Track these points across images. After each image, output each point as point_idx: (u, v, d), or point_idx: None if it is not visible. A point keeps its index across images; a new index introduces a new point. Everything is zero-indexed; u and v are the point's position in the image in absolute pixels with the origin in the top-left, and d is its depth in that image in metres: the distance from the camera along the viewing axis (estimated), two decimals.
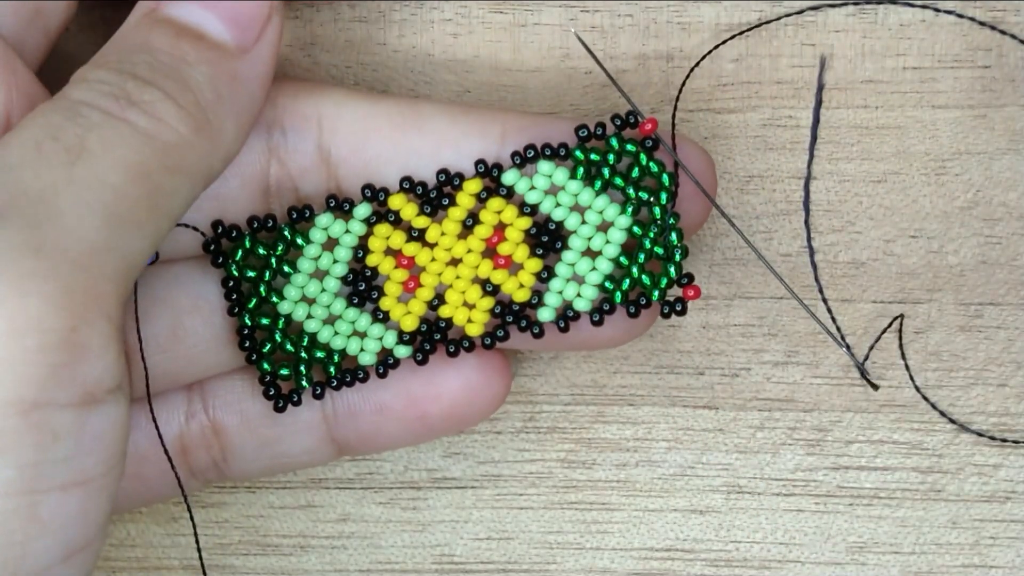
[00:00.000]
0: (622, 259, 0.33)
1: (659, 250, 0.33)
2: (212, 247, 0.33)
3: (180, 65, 0.31)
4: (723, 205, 0.37)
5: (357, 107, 0.33)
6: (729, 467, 0.38)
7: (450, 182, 0.33)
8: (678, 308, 0.33)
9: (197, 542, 0.36)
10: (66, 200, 0.28)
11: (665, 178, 0.33)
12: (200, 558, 0.36)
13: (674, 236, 0.33)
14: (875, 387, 0.36)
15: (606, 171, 0.33)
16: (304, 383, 0.34)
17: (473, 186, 0.33)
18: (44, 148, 0.28)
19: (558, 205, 0.33)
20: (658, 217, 0.33)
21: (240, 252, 0.33)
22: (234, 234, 0.33)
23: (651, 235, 0.33)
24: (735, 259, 0.37)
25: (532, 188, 0.33)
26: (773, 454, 0.38)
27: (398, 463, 0.38)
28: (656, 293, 0.33)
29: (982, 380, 0.37)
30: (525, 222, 0.33)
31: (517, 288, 0.34)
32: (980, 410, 0.37)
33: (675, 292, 0.34)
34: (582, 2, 0.37)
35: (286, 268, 0.34)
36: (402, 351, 0.34)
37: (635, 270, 0.33)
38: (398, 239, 0.33)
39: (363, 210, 0.33)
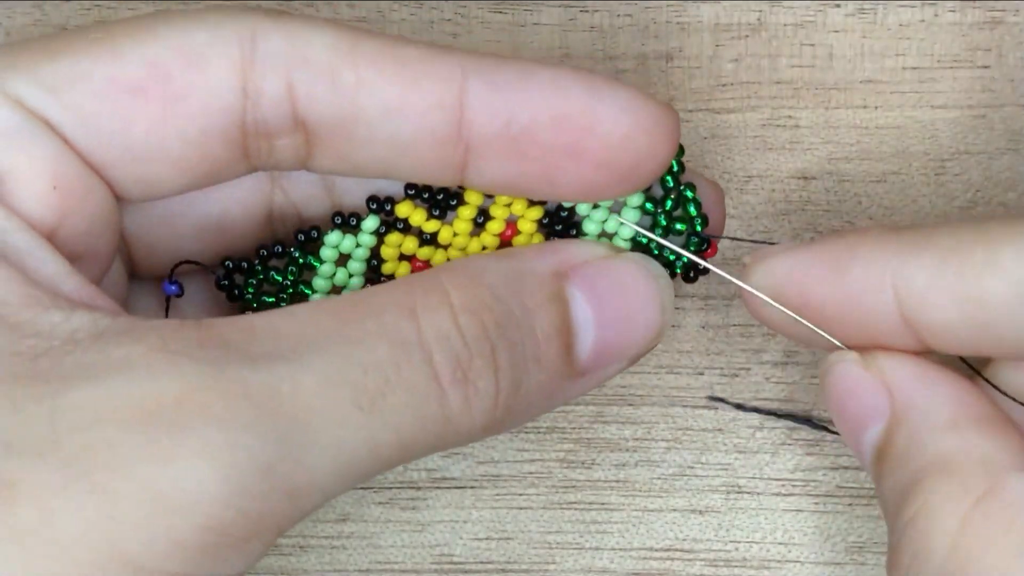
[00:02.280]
0: (640, 239, 0.33)
1: (681, 226, 0.33)
2: (226, 283, 0.33)
3: (531, 364, 0.29)
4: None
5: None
6: (728, 467, 0.38)
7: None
8: (700, 269, 0.33)
9: None
10: (328, 438, 0.26)
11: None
12: None
13: (691, 207, 0.33)
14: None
15: None
16: None
17: None
18: (347, 374, 0.26)
19: None
20: (671, 186, 0.33)
21: (254, 283, 0.33)
22: (245, 266, 0.33)
23: (666, 209, 0.33)
24: (734, 259, 0.37)
25: None
26: (772, 454, 0.38)
27: None
28: (679, 266, 0.33)
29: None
30: (536, 212, 0.33)
31: None
32: None
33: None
34: (582, 2, 0.37)
35: (303, 289, 0.33)
36: None
37: (654, 247, 0.33)
38: (411, 244, 0.33)
39: (371, 223, 0.33)
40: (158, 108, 0.29)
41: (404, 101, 0.29)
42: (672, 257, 0.33)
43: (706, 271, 0.33)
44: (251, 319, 0.27)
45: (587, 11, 0.37)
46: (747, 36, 0.37)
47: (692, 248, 0.33)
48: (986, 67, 0.37)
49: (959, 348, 0.30)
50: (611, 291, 0.31)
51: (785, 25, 0.37)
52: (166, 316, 0.33)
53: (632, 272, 0.31)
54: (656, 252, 0.33)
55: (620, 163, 0.30)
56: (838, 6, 0.37)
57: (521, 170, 0.30)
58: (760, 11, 0.37)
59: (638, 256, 0.32)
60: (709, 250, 0.33)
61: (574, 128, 0.30)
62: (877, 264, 0.30)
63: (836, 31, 0.37)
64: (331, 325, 0.27)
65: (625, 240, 0.33)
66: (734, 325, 0.38)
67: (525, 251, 0.31)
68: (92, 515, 0.24)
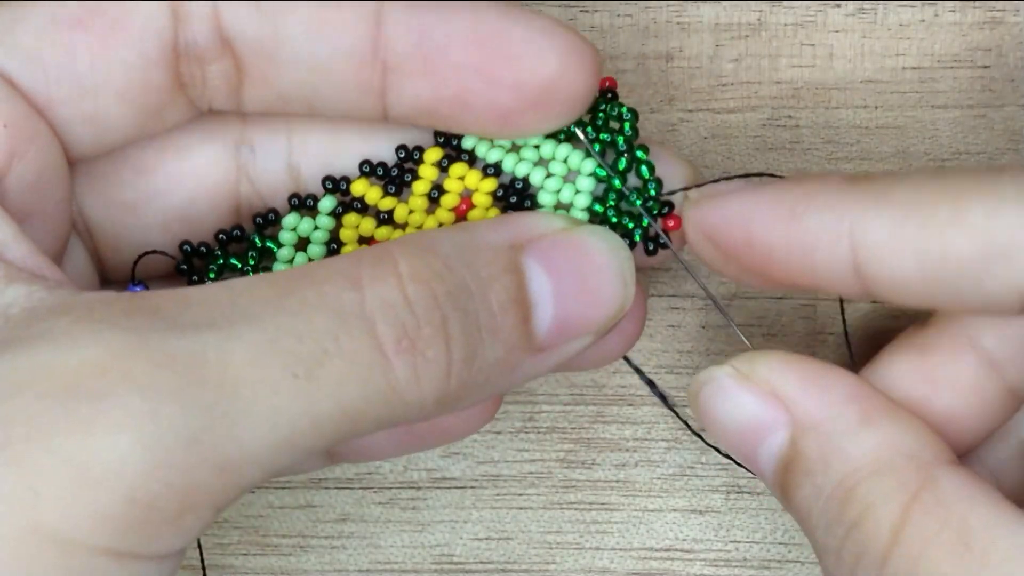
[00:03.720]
0: (595, 207, 0.32)
1: (634, 196, 0.32)
2: (185, 268, 0.33)
3: (485, 335, 0.28)
4: None
5: (326, 123, 0.32)
6: (729, 467, 0.38)
7: (410, 157, 0.32)
8: (661, 242, 0.32)
9: (199, 542, 0.36)
10: (261, 408, 0.25)
11: (625, 110, 0.32)
12: (201, 557, 0.36)
13: (644, 169, 0.32)
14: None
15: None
16: None
17: (433, 155, 0.32)
18: (280, 343, 0.25)
19: (521, 161, 0.32)
20: (623, 148, 0.32)
21: (214, 268, 0.33)
22: (204, 251, 0.33)
23: (619, 173, 0.32)
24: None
25: (493, 147, 0.32)
26: None
27: (397, 463, 0.38)
28: (638, 233, 0.32)
29: None
30: (491, 184, 0.32)
31: None
32: None
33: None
34: (582, 2, 0.37)
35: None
36: None
37: (611, 214, 0.32)
38: (368, 225, 0.33)
39: (328, 203, 0.33)
40: (98, 38, 0.29)
41: (323, 18, 0.30)
42: (631, 226, 0.32)
43: (665, 244, 0.32)
44: (186, 290, 0.27)
45: (587, 11, 0.37)
46: (747, 36, 0.37)
47: (649, 216, 0.32)
48: (986, 67, 0.37)
49: (910, 301, 0.29)
50: (569, 264, 0.30)
51: (785, 25, 0.37)
52: None
53: (590, 244, 0.30)
54: (614, 220, 0.32)
55: (533, 88, 0.30)
56: (838, 6, 0.37)
57: (437, 93, 0.30)
58: (760, 11, 0.37)
59: (596, 228, 0.31)
60: (673, 223, 0.32)
61: (487, 49, 0.30)
62: (835, 214, 0.29)
63: (836, 31, 0.37)
64: (268, 294, 0.26)
65: (582, 210, 0.32)
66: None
67: (479, 224, 0.30)
68: (12, 488, 0.24)
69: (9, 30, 0.29)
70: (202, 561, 0.35)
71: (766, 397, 0.30)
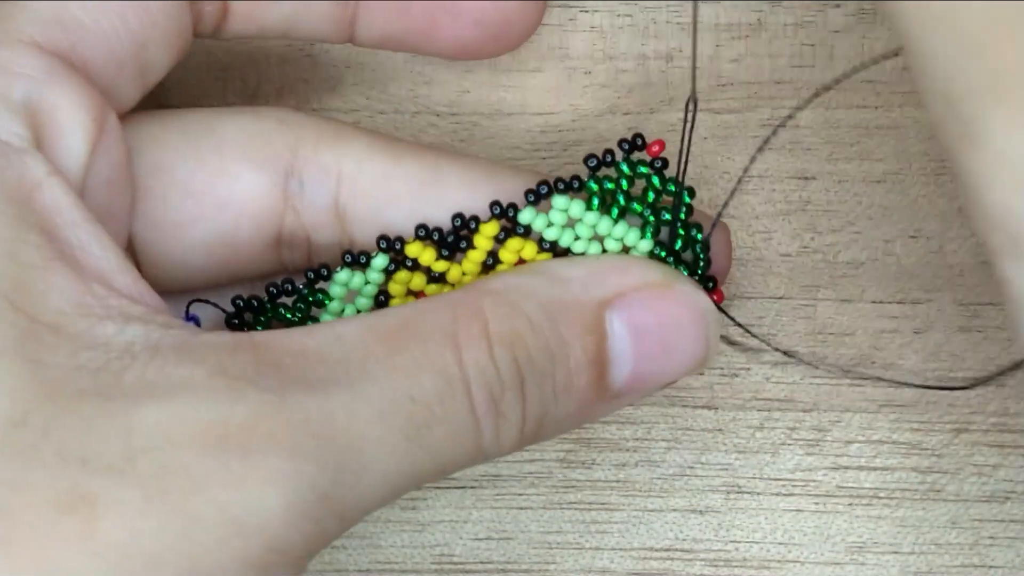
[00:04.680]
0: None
1: (684, 270, 0.33)
2: (236, 321, 0.33)
3: (560, 394, 0.30)
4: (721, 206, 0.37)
5: (379, 167, 0.33)
6: (728, 467, 0.38)
7: (466, 226, 0.32)
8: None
9: None
10: (379, 467, 0.27)
11: (684, 196, 0.33)
12: None
13: (698, 248, 0.33)
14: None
15: (621, 198, 0.32)
16: None
17: (490, 229, 0.32)
18: (398, 405, 0.28)
19: (577, 238, 0.33)
20: (681, 233, 0.33)
21: (263, 321, 0.33)
22: (255, 304, 0.33)
23: (674, 254, 0.33)
24: (734, 259, 0.37)
25: (550, 225, 0.32)
26: (772, 454, 0.38)
27: None
28: None
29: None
30: (546, 257, 0.33)
31: None
32: (979, 410, 0.37)
33: None
34: (582, 2, 0.37)
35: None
36: None
37: None
38: (419, 281, 0.33)
39: (381, 261, 0.33)
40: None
41: None
42: None
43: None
44: (302, 340, 0.28)
45: (587, 11, 0.37)
46: (747, 36, 0.37)
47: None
48: None
49: None
50: (655, 324, 0.31)
51: (785, 25, 0.37)
52: None
53: (679, 303, 0.31)
54: None
55: (493, 22, 0.33)
56: (838, 6, 0.37)
57: (404, 26, 0.33)
58: (760, 11, 0.37)
59: (689, 288, 0.32)
60: (717, 297, 0.33)
61: None
62: None
63: (836, 31, 0.37)
64: (379, 351, 0.28)
65: None
66: (734, 326, 0.38)
67: (572, 275, 0.31)
68: (173, 535, 0.25)
69: (63, 8, 0.30)
70: None
71: None
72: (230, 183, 0.33)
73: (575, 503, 0.38)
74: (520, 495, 0.38)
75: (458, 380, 0.28)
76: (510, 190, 0.33)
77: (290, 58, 0.38)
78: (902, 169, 0.37)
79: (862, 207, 0.37)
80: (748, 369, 0.38)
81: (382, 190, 0.33)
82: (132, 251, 0.33)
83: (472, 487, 0.38)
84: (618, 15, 0.37)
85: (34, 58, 0.29)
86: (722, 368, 0.38)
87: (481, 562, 0.38)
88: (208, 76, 0.38)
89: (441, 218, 0.33)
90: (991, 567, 0.38)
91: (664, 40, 0.37)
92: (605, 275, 0.31)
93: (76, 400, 0.26)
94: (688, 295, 0.32)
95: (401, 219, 0.33)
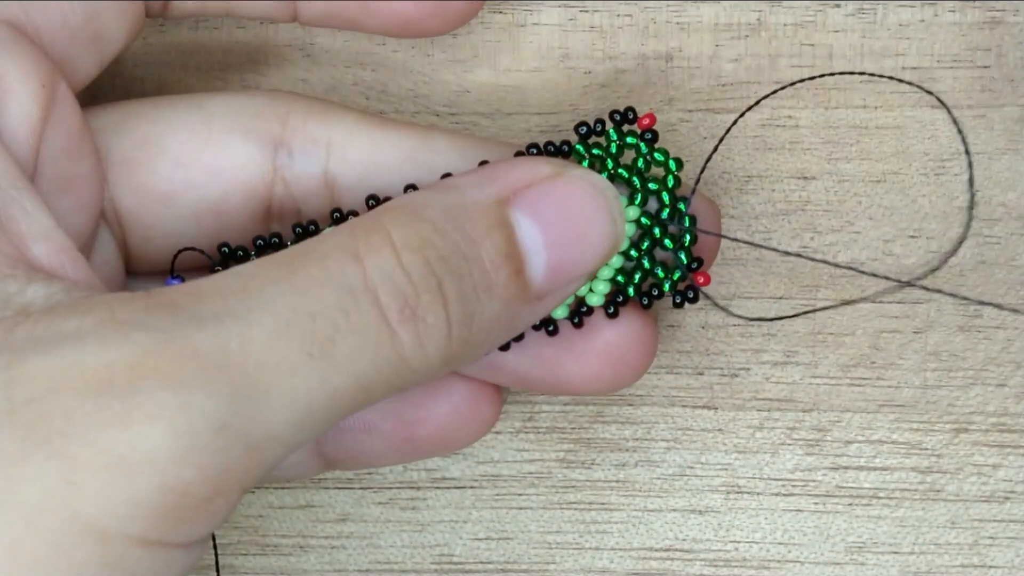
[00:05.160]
0: (631, 251, 0.33)
1: (668, 243, 0.33)
2: (221, 269, 0.33)
3: (481, 293, 0.29)
4: (722, 206, 0.37)
5: (368, 136, 0.33)
6: (728, 467, 0.38)
7: None
8: (690, 296, 0.33)
9: (214, 542, 0.35)
10: (281, 389, 0.26)
11: (672, 164, 0.33)
12: (216, 556, 0.36)
13: (685, 220, 0.33)
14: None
15: (610, 163, 0.33)
16: None
17: None
18: (295, 324, 0.27)
19: None
20: (667, 203, 0.33)
21: None
22: (240, 255, 0.33)
23: (660, 224, 0.33)
24: (734, 259, 0.37)
25: None
26: (772, 454, 0.38)
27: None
28: (667, 284, 0.33)
29: (981, 380, 0.37)
30: None
31: None
32: (979, 410, 0.37)
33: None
34: (581, 2, 0.37)
35: None
36: None
37: (646, 261, 0.33)
38: None
39: None
40: None
41: None
42: (662, 276, 0.33)
43: (695, 298, 0.33)
44: (198, 282, 0.27)
45: (587, 11, 0.37)
46: (747, 36, 0.37)
47: (680, 270, 0.33)
48: (986, 67, 0.37)
49: None
50: (557, 211, 0.30)
51: (785, 25, 0.37)
52: None
53: (577, 188, 0.31)
54: (649, 267, 0.33)
55: None
56: (838, 6, 0.37)
57: (343, 1, 0.33)
58: (760, 11, 0.37)
59: (581, 171, 0.31)
60: (703, 280, 0.33)
61: None
62: None
63: (836, 31, 0.37)
64: (277, 275, 0.27)
65: (620, 252, 0.33)
66: (734, 325, 0.38)
67: (465, 181, 0.31)
68: (53, 482, 0.25)
69: None
70: (216, 561, 0.35)
71: None
72: (219, 153, 0.33)
73: (575, 503, 0.38)
74: (520, 495, 0.38)
75: (361, 290, 0.27)
76: (496, 155, 0.33)
77: (289, 58, 0.38)
78: (901, 169, 0.37)
79: (862, 207, 0.37)
80: (748, 369, 0.38)
81: (372, 158, 0.33)
82: (119, 223, 0.33)
83: (472, 487, 0.38)
84: (618, 15, 0.37)
85: None
86: (722, 368, 0.38)
87: (481, 562, 0.38)
88: (207, 76, 0.38)
89: (429, 175, 0.33)
90: (991, 567, 0.38)
91: (664, 40, 0.37)
92: (496, 176, 0.31)
93: None
94: (583, 178, 0.31)
95: (391, 187, 0.33)
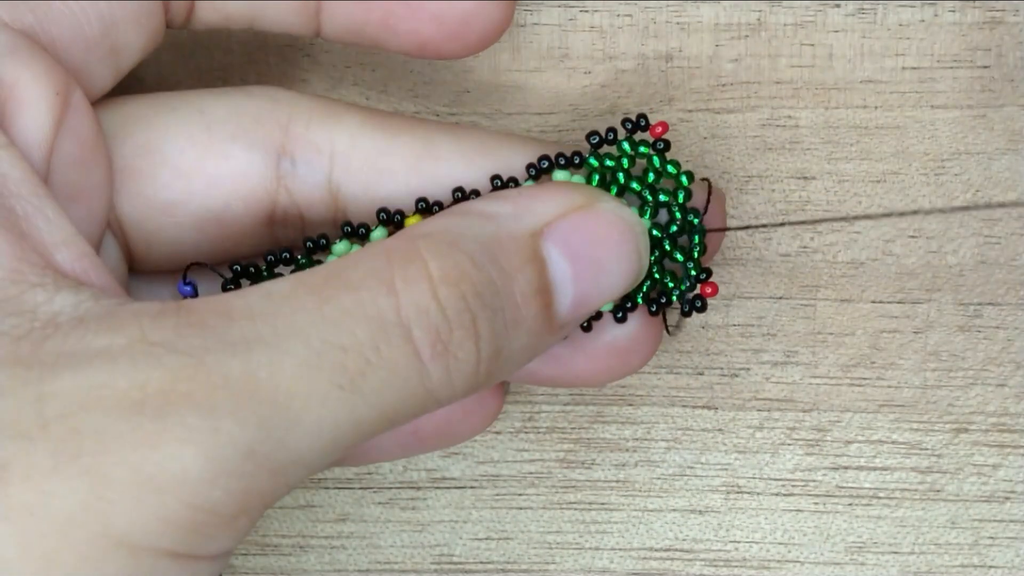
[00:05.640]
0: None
1: (678, 255, 0.33)
2: (232, 288, 0.33)
3: (510, 328, 0.29)
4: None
5: (371, 143, 0.33)
6: (728, 467, 0.38)
7: (466, 199, 0.32)
8: (698, 305, 0.33)
9: None
10: (309, 418, 0.27)
11: (683, 179, 0.33)
12: None
13: (695, 236, 0.33)
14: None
15: (621, 176, 0.33)
16: None
17: None
18: (326, 356, 0.27)
19: None
20: (678, 217, 0.33)
21: None
22: (252, 271, 0.33)
23: (670, 236, 0.33)
24: (734, 259, 0.37)
25: None
26: (772, 454, 0.38)
27: (397, 463, 0.38)
28: (676, 294, 0.33)
29: (981, 380, 0.37)
30: None
31: None
32: (979, 410, 0.37)
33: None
34: (581, 2, 0.37)
35: None
36: None
37: (655, 271, 0.33)
38: None
39: (380, 233, 0.33)
40: None
41: None
42: (671, 285, 0.33)
43: (703, 307, 0.33)
44: (229, 300, 0.28)
45: (587, 11, 0.37)
46: (747, 36, 0.37)
47: (689, 281, 0.33)
48: (986, 67, 0.37)
49: None
50: (586, 244, 0.31)
51: (785, 25, 0.37)
52: None
53: (606, 222, 0.31)
54: (659, 277, 0.33)
55: (452, 19, 0.33)
56: (838, 6, 0.37)
57: (365, 19, 0.33)
58: (760, 11, 0.37)
59: (612, 203, 0.32)
60: (710, 290, 0.33)
61: None
62: None
63: (836, 31, 0.37)
64: (309, 303, 0.27)
65: None
66: (734, 325, 0.38)
67: (501, 211, 0.31)
68: (84, 496, 0.25)
69: None
70: None
71: None
72: (220, 162, 0.33)
73: (575, 503, 0.38)
74: (520, 495, 0.38)
75: (394, 324, 0.28)
76: (505, 162, 0.33)
77: (290, 58, 0.38)
78: (901, 169, 0.37)
79: (861, 207, 0.37)
80: (748, 369, 0.38)
81: (376, 166, 0.33)
82: (122, 230, 0.33)
83: (472, 487, 0.38)
84: (618, 15, 0.37)
85: None
86: (722, 368, 0.38)
87: (481, 562, 0.38)
88: (207, 76, 0.38)
89: (436, 192, 0.33)
90: (991, 567, 0.38)
91: (664, 40, 0.37)
92: (531, 206, 0.31)
93: None
94: (613, 212, 0.32)
95: (396, 194, 0.33)
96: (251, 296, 0.28)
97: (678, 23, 0.37)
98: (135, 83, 0.38)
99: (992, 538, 0.38)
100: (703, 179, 0.34)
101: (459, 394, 0.29)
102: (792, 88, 0.37)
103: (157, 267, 0.34)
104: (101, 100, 0.33)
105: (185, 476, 0.26)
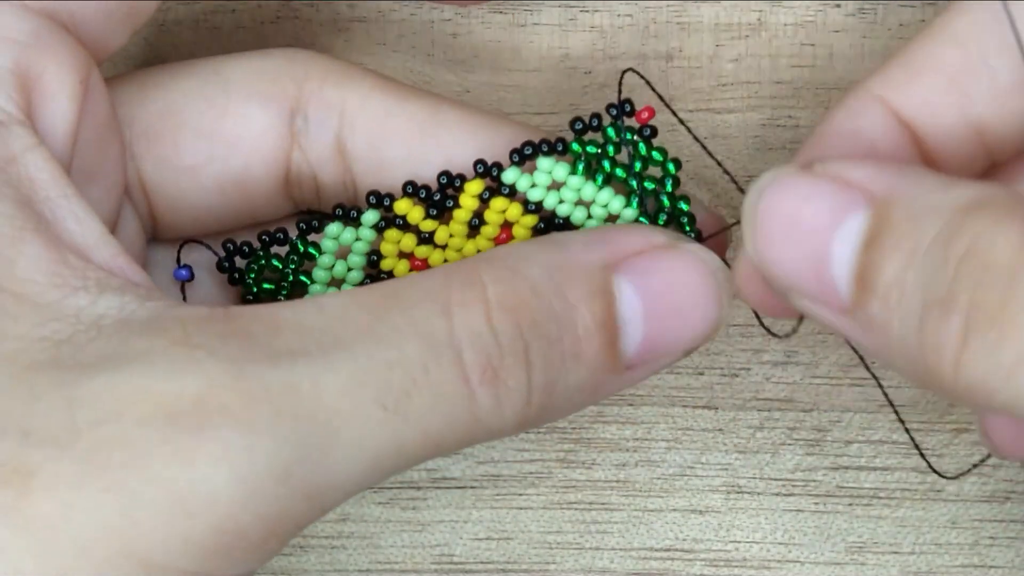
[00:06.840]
0: None
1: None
2: (227, 266, 0.33)
3: (568, 360, 0.28)
4: (722, 206, 0.37)
5: (381, 104, 0.33)
6: (729, 467, 0.38)
7: (451, 184, 0.33)
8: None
9: None
10: (350, 438, 0.26)
11: (670, 166, 0.33)
12: None
13: (684, 221, 0.32)
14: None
15: (606, 164, 0.32)
16: None
17: (474, 187, 0.32)
18: (371, 372, 0.26)
19: (562, 201, 0.33)
20: (667, 205, 0.33)
21: (255, 268, 0.33)
22: (246, 250, 0.33)
23: (659, 224, 0.33)
24: (734, 259, 0.37)
25: (533, 186, 0.32)
26: (773, 454, 0.38)
27: None
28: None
29: None
30: (531, 219, 0.33)
31: None
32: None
33: None
34: (582, 2, 0.37)
35: (303, 278, 0.33)
36: None
37: None
38: (409, 242, 0.33)
39: (371, 217, 0.33)
40: None
41: None
42: None
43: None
44: (279, 311, 0.27)
45: (587, 11, 0.37)
46: (747, 36, 0.37)
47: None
48: None
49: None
50: (664, 283, 0.29)
51: (785, 25, 0.37)
52: (183, 299, 0.33)
53: (688, 264, 0.30)
54: None
55: None
56: (838, 6, 0.37)
57: None
58: (760, 11, 0.37)
59: (696, 247, 0.30)
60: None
61: None
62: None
63: (836, 31, 0.37)
64: (361, 320, 0.27)
65: None
66: (734, 325, 0.38)
67: (574, 241, 0.30)
68: (108, 513, 0.25)
69: None
70: None
71: (840, 183, 0.27)
72: (238, 122, 0.33)
73: (575, 503, 0.38)
74: (520, 495, 0.38)
75: (445, 345, 0.27)
76: (507, 139, 0.32)
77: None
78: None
79: None
80: (748, 369, 0.38)
81: (382, 128, 0.33)
82: (146, 196, 0.33)
83: (472, 487, 0.38)
84: (618, 15, 0.37)
85: (21, 20, 0.29)
86: (722, 368, 0.38)
87: (481, 562, 0.38)
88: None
89: (438, 160, 0.33)
90: (991, 567, 0.38)
91: (664, 40, 0.37)
92: (608, 238, 0.30)
93: (28, 371, 0.25)
94: (696, 254, 0.30)
95: (399, 158, 0.33)
96: (302, 308, 0.27)
97: (678, 23, 0.37)
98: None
99: (992, 538, 0.38)
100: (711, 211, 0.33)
101: (510, 425, 0.28)
102: (792, 88, 0.37)
103: (181, 233, 0.34)
104: (119, 72, 0.33)
105: (216, 498, 0.25)
